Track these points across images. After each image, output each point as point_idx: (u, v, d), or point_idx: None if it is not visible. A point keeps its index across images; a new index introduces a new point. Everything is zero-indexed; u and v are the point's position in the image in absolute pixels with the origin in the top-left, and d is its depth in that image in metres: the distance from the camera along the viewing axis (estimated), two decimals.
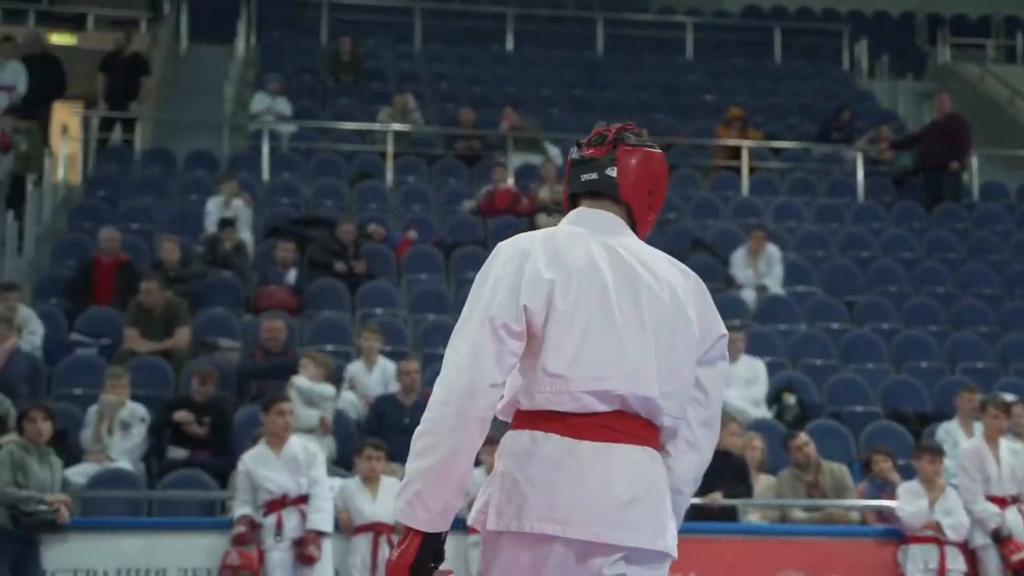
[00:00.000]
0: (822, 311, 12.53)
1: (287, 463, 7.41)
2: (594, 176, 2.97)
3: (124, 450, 8.99)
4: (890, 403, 11.27)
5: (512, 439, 2.81)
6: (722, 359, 2.95)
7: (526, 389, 2.79)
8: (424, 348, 11.49)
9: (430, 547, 2.79)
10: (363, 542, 7.46)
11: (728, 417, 9.00)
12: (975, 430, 9.72)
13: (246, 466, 7.45)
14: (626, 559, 2.72)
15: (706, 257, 12.92)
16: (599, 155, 2.97)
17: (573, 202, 3.03)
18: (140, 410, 9.16)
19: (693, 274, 3.01)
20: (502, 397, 2.81)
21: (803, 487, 8.93)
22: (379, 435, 9.43)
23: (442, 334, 11.69)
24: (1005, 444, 8.23)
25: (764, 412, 10.71)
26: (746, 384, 10.86)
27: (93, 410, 9.04)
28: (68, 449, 8.82)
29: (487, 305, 2.76)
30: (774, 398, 10.89)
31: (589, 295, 2.77)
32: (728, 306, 12.31)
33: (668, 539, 2.79)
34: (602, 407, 2.74)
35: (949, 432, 10.10)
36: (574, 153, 3.04)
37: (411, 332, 11.75)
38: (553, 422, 2.75)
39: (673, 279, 2.92)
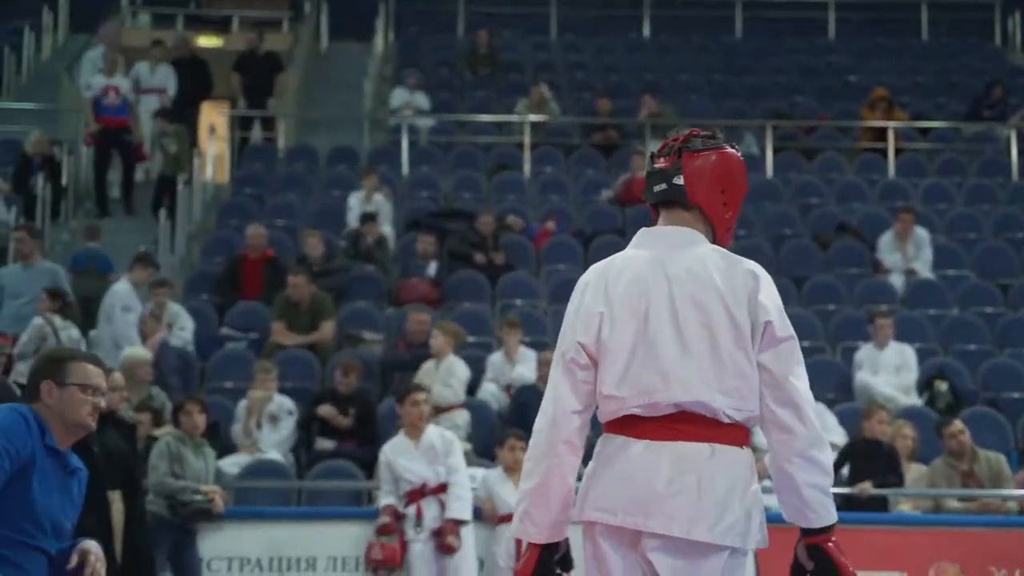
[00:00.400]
0: (974, 295, 12.15)
1: (425, 452, 7.48)
2: (664, 186, 3.21)
3: (273, 442, 9.20)
4: None
5: (600, 443, 3.19)
6: (783, 341, 3.07)
7: (603, 409, 3.15)
8: None
9: (548, 557, 3.11)
10: (507, 532, 7.47)
11: (877, 406, 8.81)
12: None
13: (386, 456, 7.55)
14: (667, 547, 2.95)
15: (852, 242, 12.66)
16: (667, 166, 3.20)
17: (656, 211, 3.28)
18: (287, 403, 9.37)
19: (750, 269, 3.15)
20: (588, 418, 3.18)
21: (958, 476, 8.67)
22: (521, 426, 9.47)
23: None
24: None
25: (915, 400, 10.43)
26: (895, 371, 10.59)
27: (242, 406, 9.28)
28: (220, 441, 9.06)
29: (561, 342, 3.18)
30: (925, 385, 10.60)
31: (631, 322, 3.08)
32: (875, 291, 12.05)
33: (707, 528, 2.96)
34: (654, 413, 3.05)
35: None
36: (647, 166, 3.29)
37: (551, 323, 11.74)
38: (618, 426, 3.11)
39: (720, 282, 3.10)
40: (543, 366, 9.68)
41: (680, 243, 3.17)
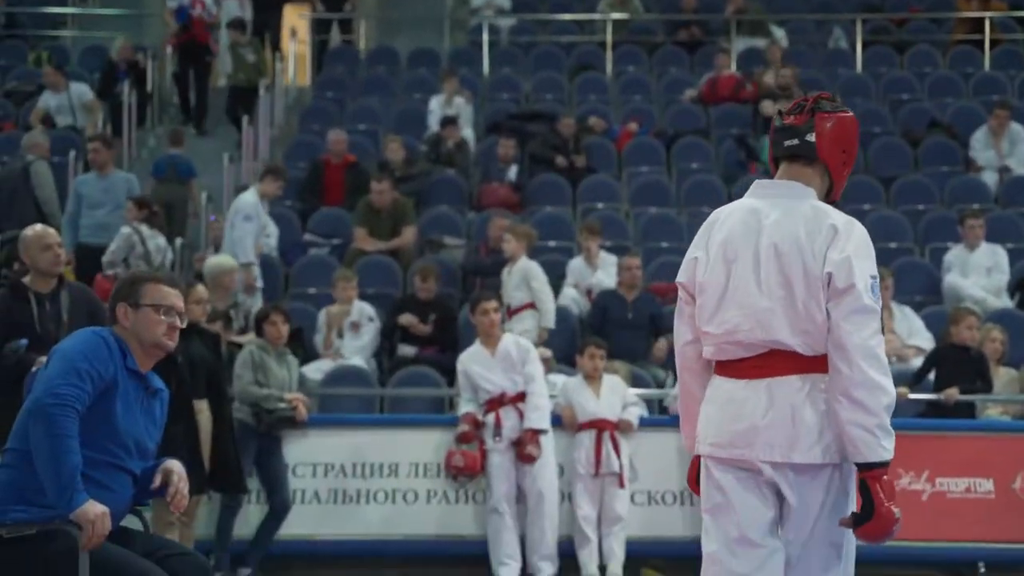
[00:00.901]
0: None
1: (501, 361, 7.49)
2: (795, 142, 3.49)
3: (355, 348, 9.29)
4: None
5: (709, 384, 3.55)
6: (843, 293, 3.31)
7: (705, 345, 3.51)
8: (645, 242, 11.41)
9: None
10: (587, 439, 7.51)
11: (965, 310, 8.62)
12: None
13: (463, 366, 7.59)
14: (778, 469, 3.34)
15: (943, 139, 12.32)
16: (799, 123, 3.49)
17: (776, 164, 3.57)
18: (368, 310, 9.44)
19: (833, 223, 3.40)
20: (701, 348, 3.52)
21: None
22: (601, 331, 9.46)
23: (663, 227, 11.60)
24: None
25: (1006, 302, 10.20)
26: (987, 273, 10.35)
27: (322, 317, 9.36)
28: (304, 348, 9.19)
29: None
30: (1017, 286, 10.35)
31: (722, 267, 3.44)
32: (967, 190, 11.75)
33: (804, 451, 3.32)
34: (749, 353, 3.40)
35: None
36: (776, 122, 3.55)
37: (632, 226, 11.66)
38: (722, 368, 3.48)
39: (802, 231, 3.39)
40: (624, 271, 9.64)
41: (785, 195, 3.48)
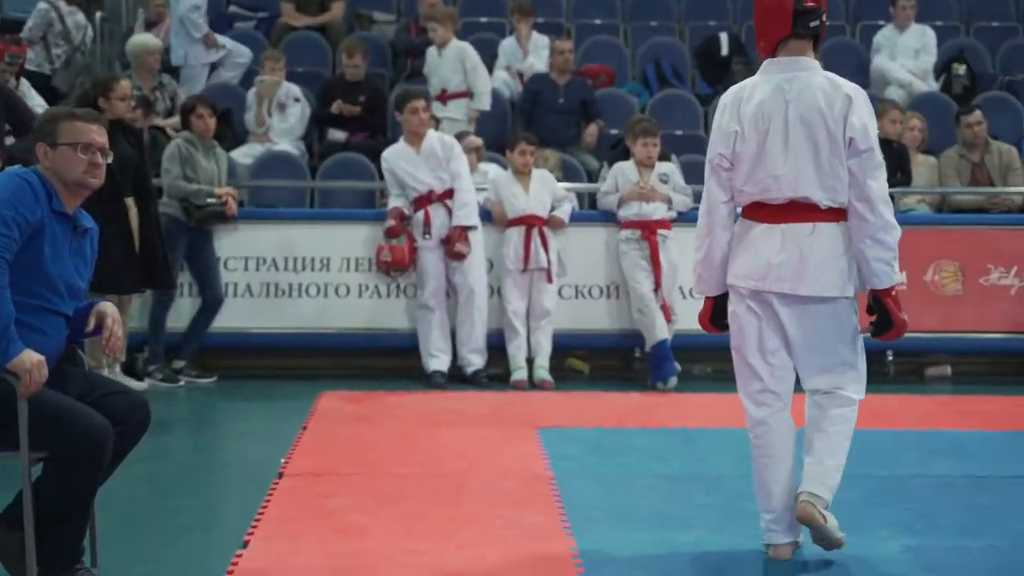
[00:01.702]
0: None
1: (427, 159, 7.47)
2: (817, 23, 4.08)
3: (283, 131, 9.21)
4: None
5: (738, 225, 4.15)
6: (864, 152, 3.95)
7: (738, 199, 4.12)
8: (577, 19, 11.25)
9: (720, 305, 4.17)
10: (515, 234, 7.61)
11: (890, 104, 8.70)
12: None
13: (388, 163, 7.56)
14: (783, 300, 4.00)
15: None
16: (817, 5, 4.06)
17: (783, 40, 4.06)
18: (295, 89, 9.30)
19: (847, 93, 3.98)
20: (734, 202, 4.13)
21: (968, 167, 8.70)
22: (532, 116, 9.45)
23: (598, 4, 11.41)
24: None
25: (932, 84, 10.28)
26: (914, 54, 10.38)
27: (251, 93, 9.23)
28: (232, 129, 9.09)
29: (710, 152, 4.12)
30: (943, 68, 10.42)
31: (755, 137, 4.03)
32: None
33: (809, 285, 3.97)
34: (776, 202, 4.03)
35: None
36: (796, 3, 4.02)
37: (565, 3, 11.48)
38: (749, 212, 4.09)
39: (822, 100, 3.97)
40: (556, 55, 9.54)
41: (802, 69, 4.03)
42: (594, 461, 5.46)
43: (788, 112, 3.97)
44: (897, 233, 4.02)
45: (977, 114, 8.74)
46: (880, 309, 4.06)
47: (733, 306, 4.09)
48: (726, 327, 4.16)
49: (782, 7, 4.02)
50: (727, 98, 4.12)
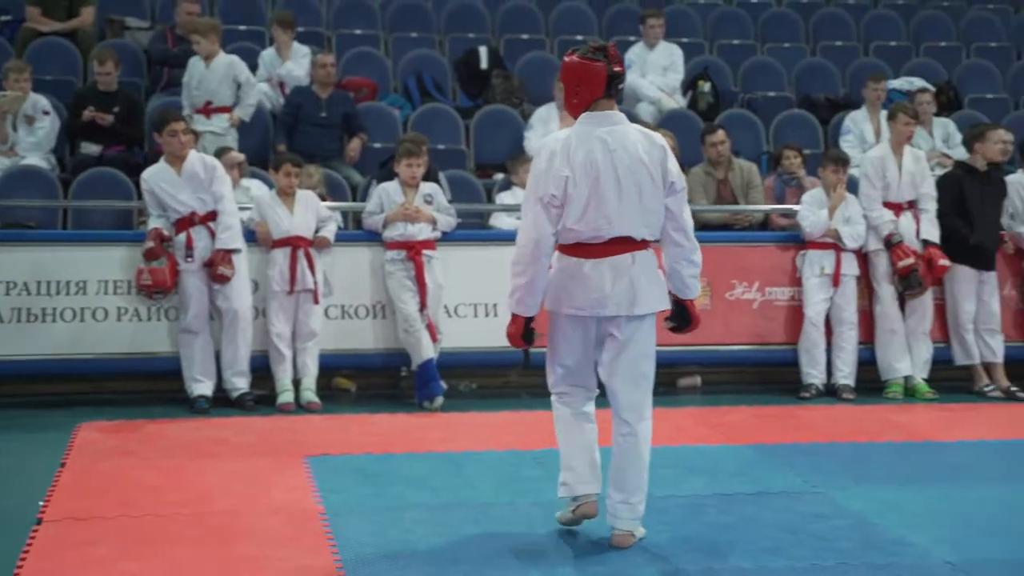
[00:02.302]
0: None
1: (189, 181, 7.34)
2: (623, 85, 4.94)
3: (31, 145, 8.87)
4: (803, 88, 11.38)
5: (559, 259, 4.84)
6: (679, 191, 4.83)
7: (562, 235, 4.77)
8: (338, 29, 11.24)
9: (530, 323, 4.84)
10: (281, 255, 7.57)
11: (641, 123, 9.03)
12: (881, 119, 9.93)
13: (149, 184, 7.38)
14: (616, 322, 4.79)
15: None
16: (622, 71, 4.82)
17: (597, 100, 4.75)
18: (43, 102, 8.96)
19: (661, 144, 4.83)
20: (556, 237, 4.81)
21: (713, 183, 9.16)
22: (294, 129, 9.41)
23: (358, 14, 11.43)
24: (908, 151, 8.44)
25: (680, 101, 10.76)
26: (663, 71, 10.85)
27: None
28: None
29: (537, 190, 4.73)
30: (689, 85, 10.92)
31: (586, 181, 4.69)
32: None
33: (641, 306, 4.80)
34: (598, 241, 4.74)
35: (855, 122, 10.28)
36: (608, 70, 4.73)
37: (325, 9, 11.45)
38: (575, 250, 4.78)
39: (642, 151, 4.75)
40: (318, 69, 9.53)
41: (617, 123, 4.77)
42: (363, 493, 5.53)
43: (614, 161, 4.69)
44: (700, 254, 4.96)
45: (720, 133, 9.20)
46: (686, 312, 5.04)
47: (565, 329, 4.84)
48: (532, 343, 4.88)
49: (598, 74, 4.73)
50: (555, 145, 4.75)
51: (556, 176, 4.69)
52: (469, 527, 5.00)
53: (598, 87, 4.72)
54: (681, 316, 5.05)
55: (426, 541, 4.81)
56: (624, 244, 4.74)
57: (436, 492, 5.55)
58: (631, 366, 4.86)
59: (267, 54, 10.07)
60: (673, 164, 4.80)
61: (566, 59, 4.81)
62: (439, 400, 7.52)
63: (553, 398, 5.03)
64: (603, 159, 4.68)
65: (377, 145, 9.56)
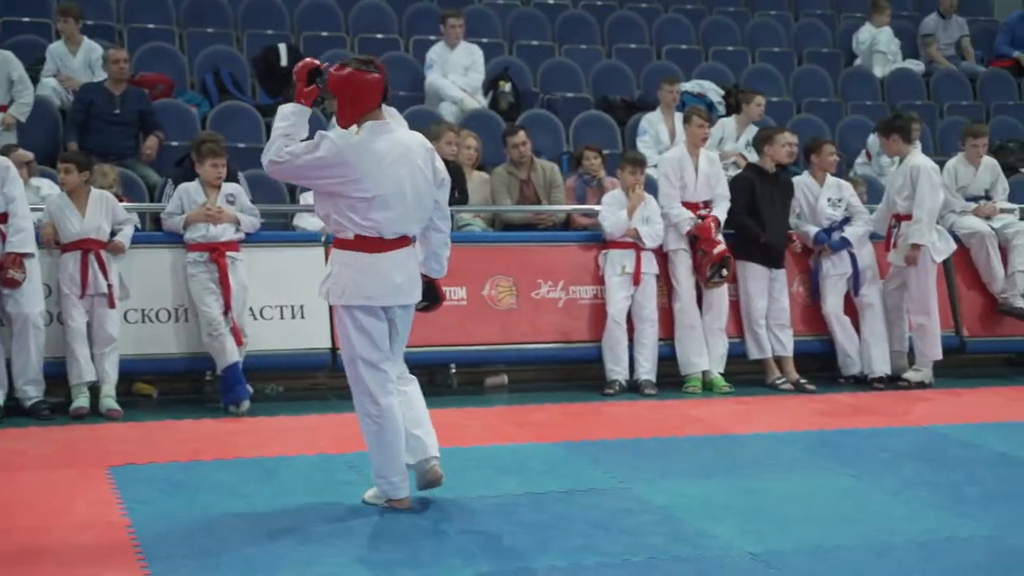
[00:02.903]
0: None
1: None
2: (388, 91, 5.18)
3: None
4: (600, 90, 11.63)
5: (341, 254, 5.13)
6: (444, 184, 5.30)
7: (347, 228, 5.08)
8: (129, 23, 10.91)
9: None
10: (71, 260, 7.30)
11: (446, 126, 9.11)
12: (676, 120, 10.24)
13: None
14: (399, 310, 5.22)
15: None
16: (383, 76, 5.12)
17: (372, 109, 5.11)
18: None
19: (428, 146, 5.26)
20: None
21: (516, 183, 9.28)
22: (86, 127, 9.09)
23: (151, 7, 11.11)
24: (703, 153, 8.73)
25: (481, 101, 10.85)
26: (464, 71, 10.92)
27: None
28: None
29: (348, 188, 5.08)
30: (490, 85, 11.02)
31: (380, 178, 5.02)
32: None
33: (417, 293, 5.30)
34: (390, 237, 5.13)
35: (651, 123, 10.58)
36: (385, 81, 5.08)
37: (115, 1, 11.08)
38: (366, 245, 5.09)
39: (419, 153, 5.17)
40: (111, 65, 9.22)
41: (393, 129, 5.13)
42: (172, 503, 5.39)
43: (403, 164, 5.05)
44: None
45: (521, 135, 9.32)
46: (436, 291, 5.45)
47: (360, 321, 5.10)
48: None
49: (375, 86, 5.04)
50: (350, 153, 4.98)
51: (353, 178, 5.00)
52: (284, 535, 4.94)
53: (375, 98, 5.05)
54: (433, 296, 5.45)
55: (240, 551, 4.72)
56: (402, 241, 5.15)
57: (248, 500, 5.46)
58: (403, 345, 5.36)
59: (54, 48, 9.70)
60: (439, 162, 5.27)
61: (336, 72, 4.99)
62: (245, 404, 7.39)
63: (373, 397, 5.20)
64: (394, 162, 5.02)
65: (175, 143, 9.32)
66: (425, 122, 9.89)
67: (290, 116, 5.06)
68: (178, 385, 7.89)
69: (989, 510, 5.43)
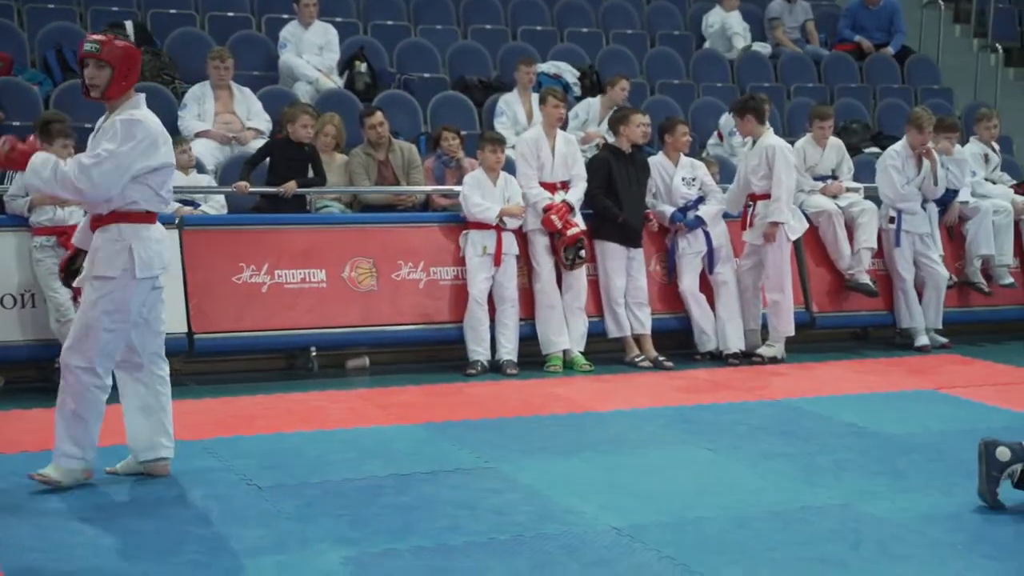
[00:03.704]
0: None
1: None
2: None
3: None
4: (456, 70, 11.60)
5: (129, 228, 5.21)
6: None
7: (138, 202, 5.22)
8: None
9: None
10: None
11: (300, 108, 8.96)
12: (533, 101, 10.28)
13: None
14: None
15: None
16: None
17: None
18: None
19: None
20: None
21: (374, 164, 9.19)
22: None
23: None
24: (560, 134, 8.78)
25: (337, 81, 10.72)
26: (319, 51, 10.77)
27: None
28: None
29: (153, 162, 5.21)
30: (346, 65, 10.89)
31: (164, 151, 5.25)
32: None
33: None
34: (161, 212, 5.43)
35: (508, 104, 10.60)
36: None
37: None
38: (143, 218, 5.26)
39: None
40: None
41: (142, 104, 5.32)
42: (21, 495, 5.18)
43: (161, 138, 5.26)
44: None
45: (378, 115, 9.23)
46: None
47: (135, 294, 5.21)
48: None
49: (140, 59, 5.32)
50: (154, 126, 5.17)
51: (162, 145, 5.21)
52: (140, 523, 4.81)
53: (139, 70, 5.32)
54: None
55: (94, 543, 4.59)
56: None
57: (101, 490, 5.30)
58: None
59: None
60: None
61: (118, 42, 5.15)
62: None
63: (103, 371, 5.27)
64: (160, 138, 5.21)
65: (16, 123, 8.97)
66: (280, 102, 9.78)
67: (47, 161, 5.11)
68: (24, 374, 7.62)
69: (841, 479, 5.59)
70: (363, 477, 5.55)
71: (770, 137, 8.89)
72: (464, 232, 8.50)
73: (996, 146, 10.61)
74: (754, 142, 8.96)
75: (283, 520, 4.87)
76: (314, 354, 8.24)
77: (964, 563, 4.46)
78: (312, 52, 10.72)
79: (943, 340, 9.56)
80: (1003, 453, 5.02)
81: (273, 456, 5.88)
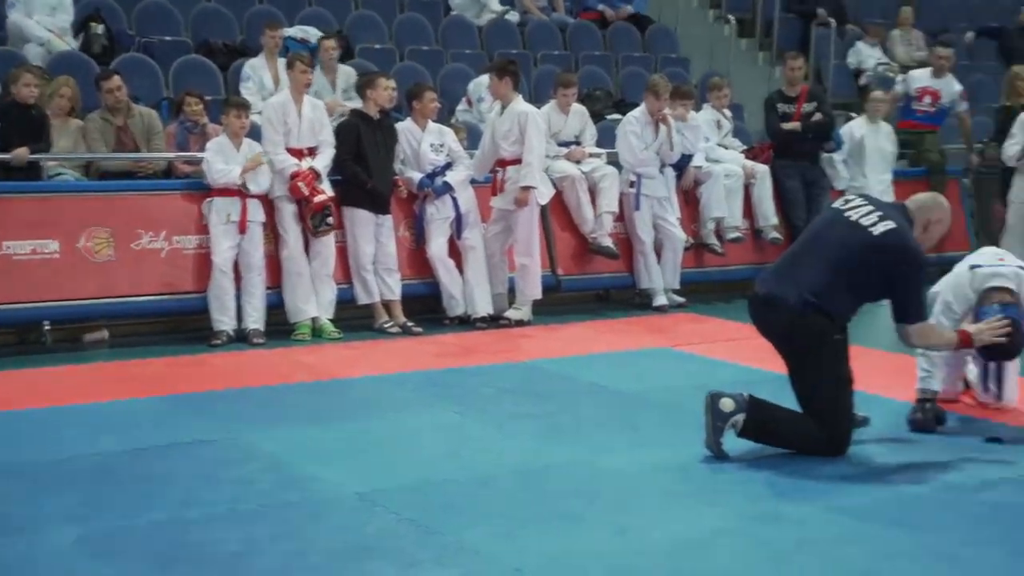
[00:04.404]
0: None
1: None
2: None
3: None
4: (200, 34, 11.28)
5: None
6: None
7: None
8: None
9: None
10: None
11: (24, 68, 8.54)
12: (279, 66, 10.11)
13: None
14: None
15: None
16: None
17: None
18: None
19: None
20: None
21: (112, 130, 8.85)
22: None
23: None
24: (307, 100, 8.66)
25: (72, 43, 10.26)
26: (51, 11, 10.27)
27: None
28: None
29: None
30: (81, 26, 10.43)
31: None
32: None
33: None
34: None
35: (254, 69, 10.32)
36: None
37: None
38: None
39: None
40: None
41: None
42: None
43: None
44: None
45: (115, 79, 8.84)
46: None
47: None
48: None
49: None
50: None
51: None
52: None
53: None
54: None
55: None
56: None
57: None
58: None
59: None
60: None
61: None
62: None
63: None
64: None
65: None
66: (8, 65, 9.27)
67: None
68: None
69: (582, 436, 5.77)
70: (97, 453, 5.37)
71: (521, 103, 9.01)
72: (208, 199, 8.29)
73: (728, 113, 11.07)
74: (503, 107, 9.05)
75: (11, 501, 4.67)
76: (48, 328, 7.90)
77: (690, 511, 4.67)
78: (43, 12, 10.21)
79: (680, 300, 9.95)
80: (727, 404, 5.27)
81: (1, 435, 5.62)
